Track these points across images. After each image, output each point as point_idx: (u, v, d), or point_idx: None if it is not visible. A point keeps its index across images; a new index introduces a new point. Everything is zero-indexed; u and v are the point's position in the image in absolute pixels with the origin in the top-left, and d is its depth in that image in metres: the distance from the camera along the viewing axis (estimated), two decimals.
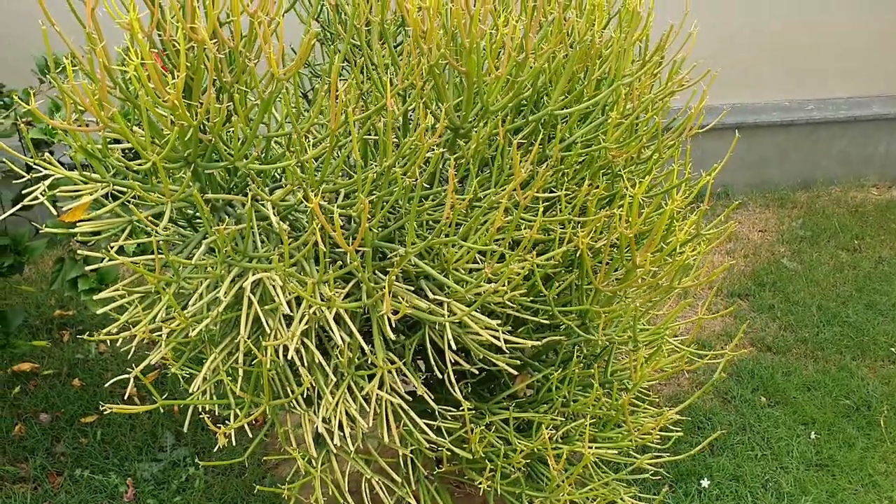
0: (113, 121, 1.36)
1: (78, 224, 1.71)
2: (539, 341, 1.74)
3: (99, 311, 1.69)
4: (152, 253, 1.73)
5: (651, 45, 1.83)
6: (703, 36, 1.82)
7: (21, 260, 2.16)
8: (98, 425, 2.53)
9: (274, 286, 1.45)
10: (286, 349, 1.52)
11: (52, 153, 2.19)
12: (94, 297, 1.65)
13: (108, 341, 1.71)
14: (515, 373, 1.75)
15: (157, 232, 1.43)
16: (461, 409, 1.71)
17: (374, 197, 1.52)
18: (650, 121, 1.74)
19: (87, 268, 1.85)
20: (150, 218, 1.78)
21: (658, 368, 1.84)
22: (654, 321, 2.73)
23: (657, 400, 2.61)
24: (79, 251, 1.72)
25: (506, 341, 1.60)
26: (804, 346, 3.04)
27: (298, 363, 1.55)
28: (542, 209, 1.53)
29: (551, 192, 1.76)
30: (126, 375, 1.61)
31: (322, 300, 1.48)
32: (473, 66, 1.53)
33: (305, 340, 1.55)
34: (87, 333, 2.91)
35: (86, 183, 1.57)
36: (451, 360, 1.65)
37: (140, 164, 1.52)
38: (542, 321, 1.83)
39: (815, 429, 2.62)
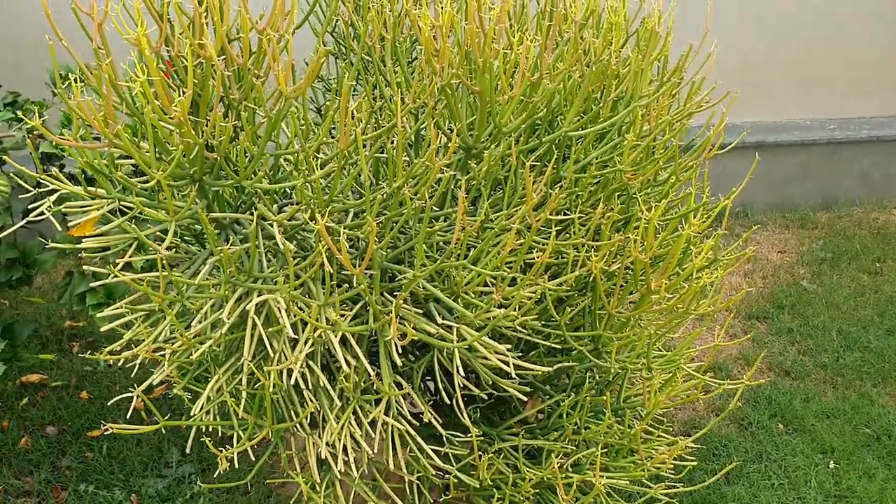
0: (118, 137, 1.34)
1: (84, 239, 1.69)
2: (550, 367, 1.70)
3: (103, 329, 1.67)
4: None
5: (669, 65, 1.80)
6: (722, 54, 1.78)
7: (30, 273, 2.14)
8: (104, 439, 2.50)
9: (279, 308, 1.42)
10: (290, 373, 1.48)
11: (62, 166, 2.17)
12: (98, 315, 1.63)
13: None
14: (525, 399, 1.70)
15: (161, 250, 1.40)
16: (469, 434, 1.67)
17: (382, 218, 1.49)
18: (667, 142, 1.69)
19: (94, 283, 1.83)
20: (155, 235, 1.76)
21: (673, 395, 1.79)
22: (669, 345, 2.68)
23: (671, 426, 2.56)
24: (85, 267, 1.70)
25: (516, 366, 1.56)
26: (823, 372, 2.97)
27: (303, 386, 1.52)
28: (554, 232, 1.49)
29: (564, 213, 1.72)
30: (130, 393, 1.59)
31: (328, 323, 1.45)
32: (487, 86, 1.50)
33: (311, 363, 1.52)
34: (97, 346, 2.89)
35: (92, 199, 1.55)
36: (459, 384, 1.61)
37: (145, 182, 1.50)
38: (553, 345, 1.79)
39: (833, 458, 2.56)
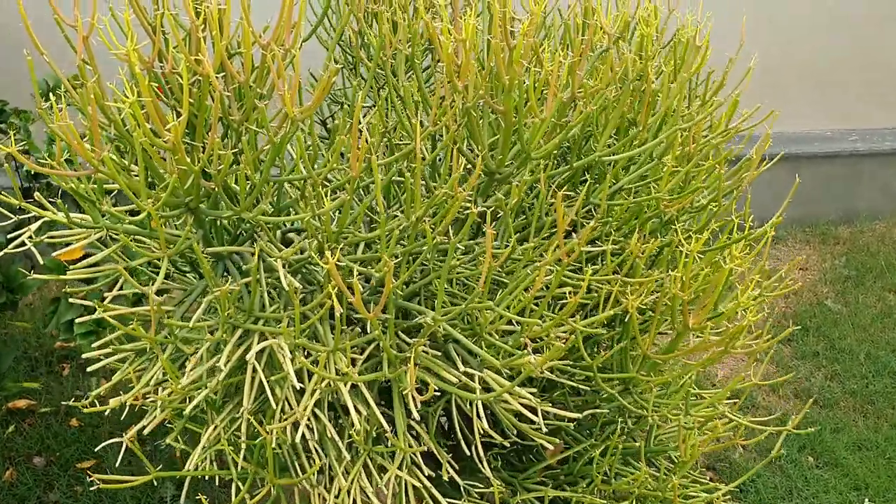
0: (104, 164, 1.20)
1: (70, 268, 1.54)
2: (579, 412, 1.55)
3: (91, 368, 1.53)
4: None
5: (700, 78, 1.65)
6: (742, 64, 1.64)
7: (14, 298, 2.00)
8: (94, 471, 2.36)
9: (282, 355, 1.27)
10: (295, 423, 1.34)
11: (49, 185, 2.03)
12: (86, 353, 1.48)
13: (109, 378, 1.56)
14: (552, 447, 1.56)
15: (152, 293, 1.25)
16: (489, 486, 1.52)
17: (399, 252, 1.34)
18: (704, 166, 1.55)
19: (81, 319, 1.68)
20: (147, 267, 1.60)
21: (711, 440, 1.64)
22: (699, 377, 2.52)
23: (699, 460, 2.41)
24: (71, 299, 1.57)
25: (543, 412, 1.42)
26: (853, 400, 2.82)
27: (308, 436, 1.37)
28: (588, 268, 1.35)
29: (594, 243, 1.58)
30: (120, 438, 1.45)
31: (337, 372, 1.30)
32: (512, 105, 1.36)
33: (317, 411, 1.37)
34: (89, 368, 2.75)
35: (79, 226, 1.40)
36: (479, 431, 1.46)
37: (134, 213, 1.35)
38: (579, 385, 1.64)
39: (868, 494, 2.41)
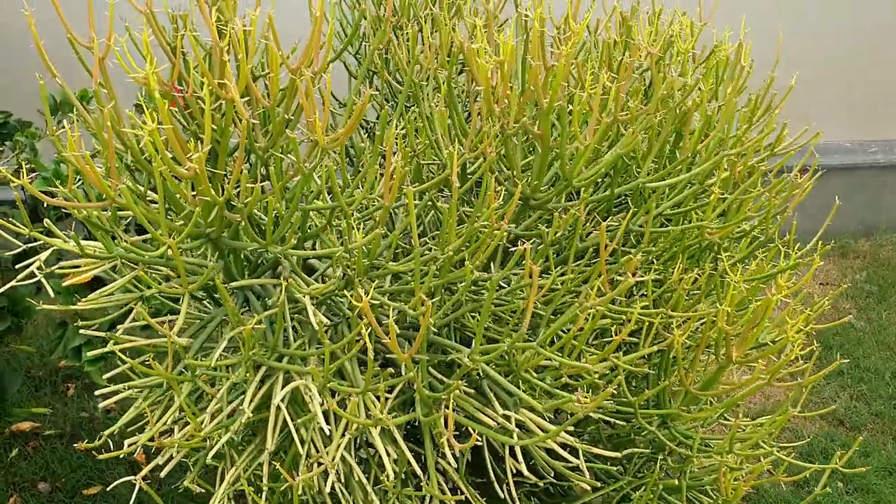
0: (121, 195, 1.12)
1: (82, 300, 1.46)
2: (618, 451, 1.48)
3: (103, 404, 1.45)
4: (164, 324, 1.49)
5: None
6: (761, 72, 1.56)
7: (20, 322, 1.92)
8: (101, 498, 2.28)
9: (309, 396, 1.19)
10: (321, 465, 1.26)
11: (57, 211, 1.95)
12: (98, 392, 1.40)
13: (117, 398, 1.48)
14: (588, 488, 1.49)
15: (172, 335, 1.18)
16: None
17: (433, 286, 1.26)
18: (753, 194, 1.47)
19: (92, 353, 1.60)
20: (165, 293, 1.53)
21: (753, 477, 1.56)
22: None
23: None
24: (82, 330, 1.49)
25: (577, 450, 1.35)
26: (880, 422, 2.74)
27: (333, 479, 1.29)
28: (638, 302, 1.27)
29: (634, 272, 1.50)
30: (131, 478, 1.37)
31: (367, 414, 1.22)
32: (549, 130, 1.28)
33: (344, 453, 1.29)
34: (95, 388, 2.67)
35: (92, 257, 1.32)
36: (512, 469, 1.39)
37: (149, 241, 1.28)
38: (615, 421, 1.57)
39: None
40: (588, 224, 1.49)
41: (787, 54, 1.60)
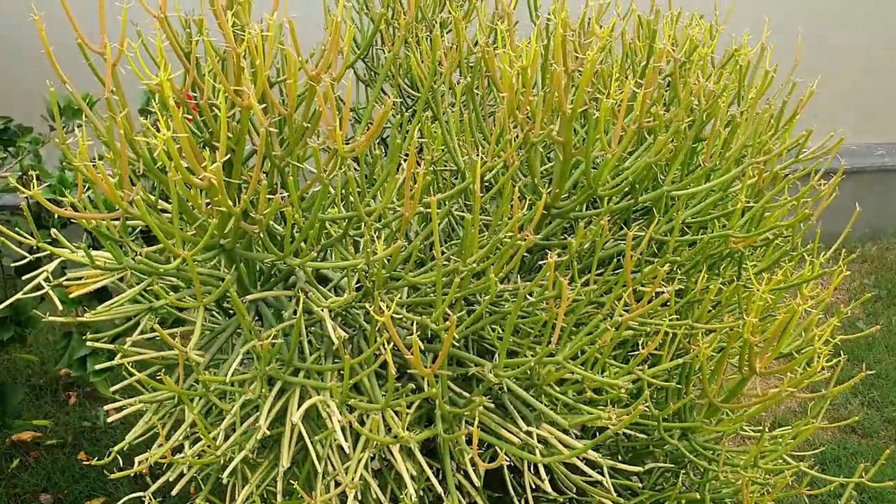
0: (134, 206, 1.08)
1: (90, 313, 1.43)
2: (640, 465, 1.44)
3: (111, 419, 1.41)
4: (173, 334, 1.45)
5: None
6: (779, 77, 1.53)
7: (23, 332, 1.88)
8: None
9: (328, 412, 1.16)
10: (338, 484, 1.22)
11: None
12: (107, 406, 1.36)
13: (119, 407, 1.43)
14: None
15: (187, 351, 1.14)
16: None
17: (454, 298, 1.22)
18: (780, 202, 1.44)
19: (99, 366, 1.57)
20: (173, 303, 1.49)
21: (778, 490, 1.53)
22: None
23: None
24: (89, 343, 1.45)
25: (597, 464, 1.31)
26: (893, 429, 2.71)
27: (350, 497, 1.25)
28: (666, 315, 1.24)
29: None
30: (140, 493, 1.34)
31: (387, 430, 1.19)
32: (571, 137, 1.24)
33: (363, 472, 1.26)
34: (97, 397, 2.63)
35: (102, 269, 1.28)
36: (532, 485, 1.35)
37: (163, 253, 1.24)
38: (634, 433, 1.53)
39: None
40: (609, 232, 1.45)
41: (801, 59, 1.57)
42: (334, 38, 1.07)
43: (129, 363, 1.45)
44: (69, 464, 2.39)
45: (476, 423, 1.11)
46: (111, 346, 1.41)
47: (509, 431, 1.23)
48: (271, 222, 1.30)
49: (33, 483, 2.32)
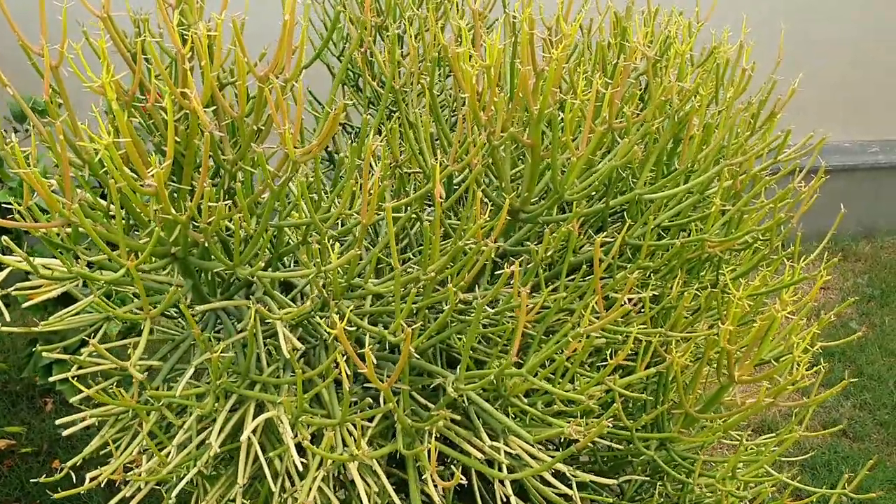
0: (75, 215, 1.03)
1: (42, 323, 1.38)
2: (614, 477, 1.40)
3: (67, 430, 1.36)
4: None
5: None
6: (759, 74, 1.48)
7: None
8: None
9: (282, 428, 1.11)
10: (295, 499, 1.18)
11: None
12: (60, 420, 1.32)
13: (80, 425, 1.39)
14: None
15: (139, 374, 1.09)
16: None
17: (418, 306, 1.18)
18: (757, 205, 1.39)
19: (56, 377, 1.51)
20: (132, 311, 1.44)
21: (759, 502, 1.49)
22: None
23: None
24: (45, 353, 1.40)
25: (572, 477, 1.26)
26: (885, 432, 2.67)
27: None
28: (635, 322, 1.19)
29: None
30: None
31: (343, 445, 1.14)
32: (539, 139, 1.19)
33: (322, 486, 1.21)
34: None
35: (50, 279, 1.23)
36: (502, 497, 1.30)
37: (107, 261, 1.19)
38: (611, 444, 1.49)
39: None
40: (581, 237, 1.41)
41: (789, 55, 1.52)
42: (283, 38, 1.02)
43: (88, 373, 1.41)
44: (43, 472, 2.34)
45: (434, 437, 1.06)
46: (66, 357, 1.36)
47: (474, 446, 1.19)
48: (225, 229, 1.25)
49: (6, 493, 2.28)
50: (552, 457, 1.19)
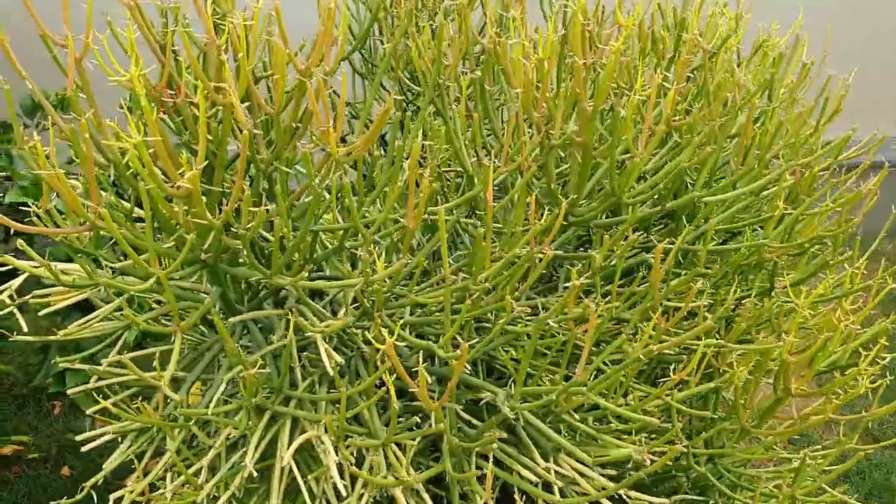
0: (101, 219, 0.95)
1: (60, 332, 1.30)
2: (668, 498, 1.32)
3: (88, 446, 1.29)
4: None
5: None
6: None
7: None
8: None
9: (322, 448, 1.03)
10: None
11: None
12: (81, 436, 1.24)
13: (107, 416, 1.32)
14: None
15: (166, 389, 1.01)
16: None
17: (464, 319, 1.09)
18: (819, 208, 1.31)
19: (74, 390, 1.43)
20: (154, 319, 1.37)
21: None
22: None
23: None
24: (61, 364, 1.32)
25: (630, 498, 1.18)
26: None
27: None
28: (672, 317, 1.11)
29: (682, 295, 1.33)
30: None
31: (387, 464, 1.06)
32: (592, 138, 1.11)
33: None
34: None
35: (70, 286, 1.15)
36: None
37: (136, 271, 1.11)
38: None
39: None
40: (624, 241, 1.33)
41: (829, 48, 1.44)
42: (327, 27, 0.94)
43: (106, 385, 1.33)
44: (52, 481, 2.26)
45: (488, 462, 0.99)
46: (86, 367, 1.29)
47: (524, 466, 1.11)
48: (259, 232, 1.17)
49: (13, 501, 2.20)
50: (607, 476, 1.12)
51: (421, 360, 0.96)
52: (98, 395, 1.27)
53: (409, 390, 1.12)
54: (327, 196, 1.14)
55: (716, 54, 1.26)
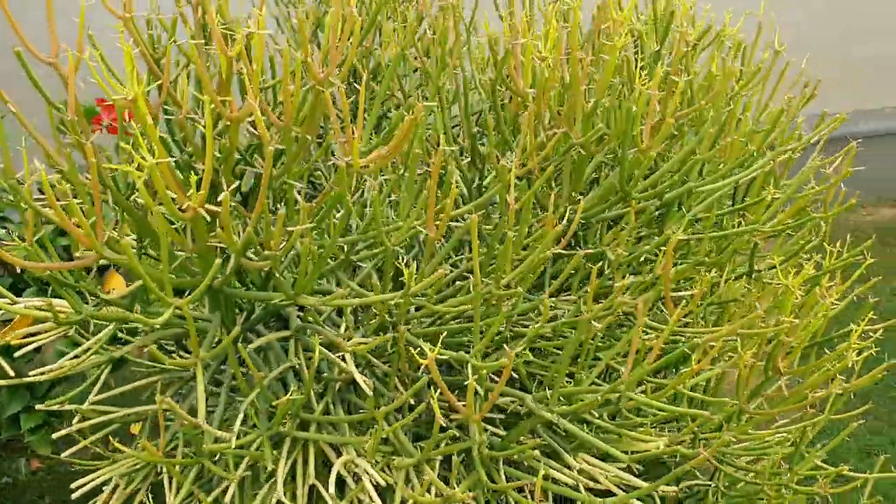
0: (111, 248, 0.88)
1: (31, 373, 1.20)
2: (675, 485, 1.33)
3: (76, 492, 1.19)
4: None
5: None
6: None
7: None
8: None
9: (359, 472, 0.98)
10: None
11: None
12: (75, 483, 1.14)
13: (95, 483, 1.18)
14: None
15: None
16: None
17: (484, 327, 1.07)
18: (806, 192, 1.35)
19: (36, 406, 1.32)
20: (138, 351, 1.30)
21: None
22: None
23: None
24: (38, 406, 1.21)
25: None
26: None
27: None
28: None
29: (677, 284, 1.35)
30: None
31: (419, 481, 1.03)
32: (589, 135, 1.11)
33: None
34: (22, 449, 2.34)
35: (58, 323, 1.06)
36: None
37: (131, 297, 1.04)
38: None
39: None
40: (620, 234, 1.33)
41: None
42: (347, 27, 0.90)
43: (88, 426, 1.24)
44: None
45: (508, 464, 0.97)
46: (72, 408, 1.19)
47: (555, 469, 1.09)
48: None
49: None
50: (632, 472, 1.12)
51: (462, 375, 0.93)
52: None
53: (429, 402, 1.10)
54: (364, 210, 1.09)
55: (696, 45, 1.28)
